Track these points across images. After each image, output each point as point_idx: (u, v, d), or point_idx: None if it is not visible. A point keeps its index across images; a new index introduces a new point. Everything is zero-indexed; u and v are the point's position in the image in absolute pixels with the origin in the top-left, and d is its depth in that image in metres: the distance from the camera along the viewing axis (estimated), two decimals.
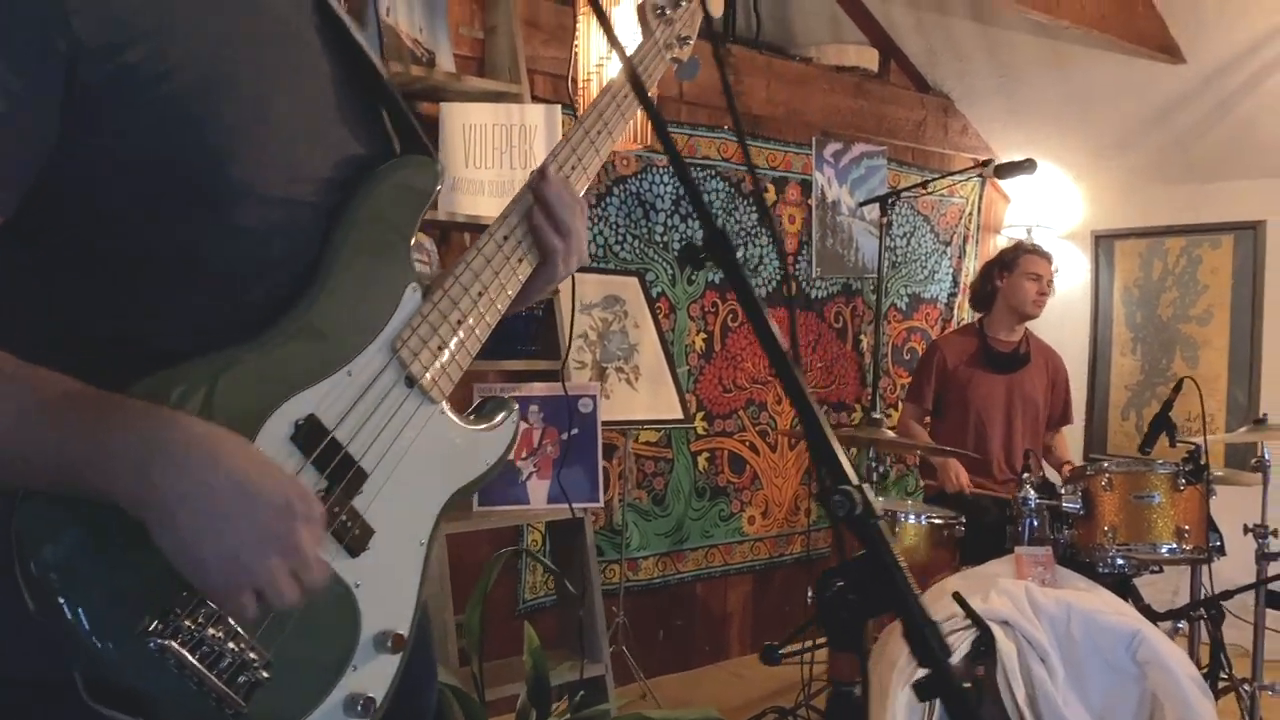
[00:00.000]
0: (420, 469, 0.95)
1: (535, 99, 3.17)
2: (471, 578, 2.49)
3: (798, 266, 4.14)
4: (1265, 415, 2.97)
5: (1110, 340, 4.61)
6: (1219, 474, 3.27)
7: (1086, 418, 4.64)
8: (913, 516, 3.23)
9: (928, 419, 3.81)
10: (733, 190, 3.93)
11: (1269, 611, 4.11)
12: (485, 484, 1.04)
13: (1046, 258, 3.65)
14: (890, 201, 3.82)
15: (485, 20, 3.15)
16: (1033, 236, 4.63)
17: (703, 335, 3.88)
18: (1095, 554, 2.92)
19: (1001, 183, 4.66)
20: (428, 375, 0.96)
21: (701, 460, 3.89)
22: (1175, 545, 2.85)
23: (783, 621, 3.92)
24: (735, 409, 3.99)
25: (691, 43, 1.35)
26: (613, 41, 0.90)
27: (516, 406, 1.07)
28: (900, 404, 4.09)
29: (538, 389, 2.86)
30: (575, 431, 2.88)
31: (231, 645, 0.77)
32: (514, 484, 2.82)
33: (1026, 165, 3.53)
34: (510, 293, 1.07)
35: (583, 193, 1.16)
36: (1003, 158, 4.64)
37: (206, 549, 0.75)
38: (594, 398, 2.91)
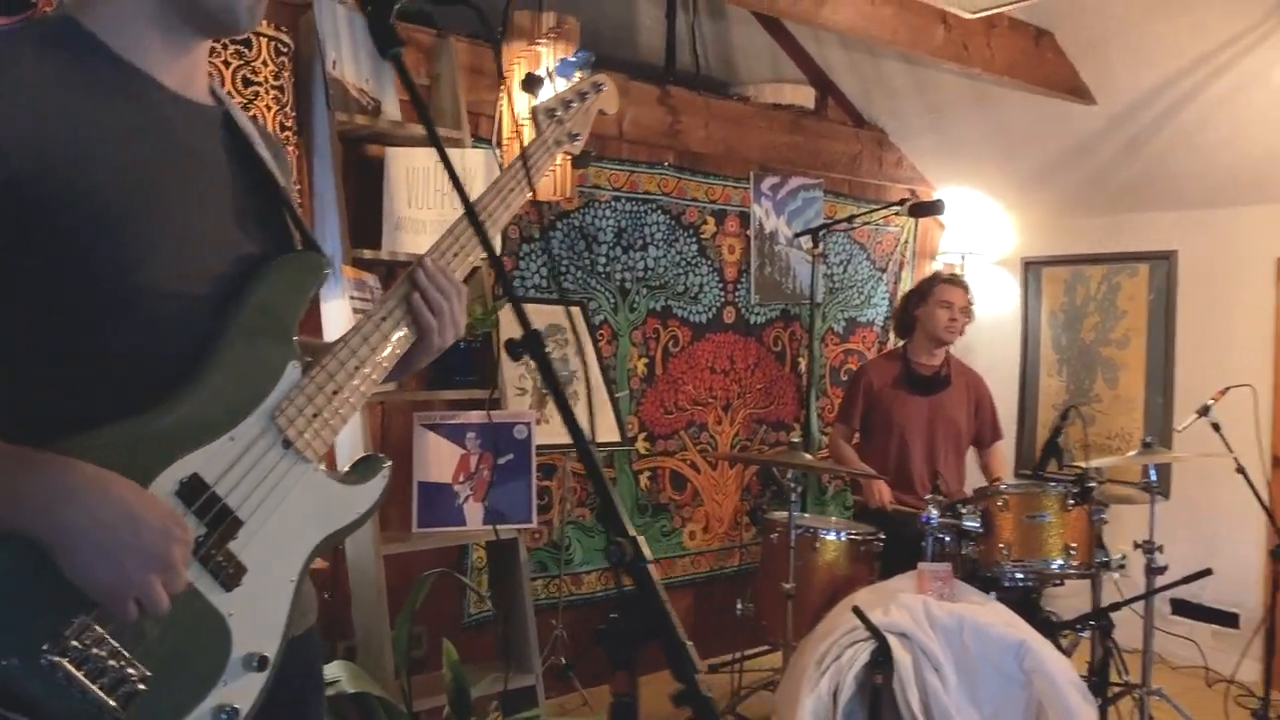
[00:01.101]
0: (292, 518, 1.14)
1: (477, 139, 3.38)
2: None
3: (737, 294, 4.35)
4: (1150, 440, 3.17)
5: (1039, 362, 4.83)
6: (1131, 493, 3.49)
7: (1017, 436, 4.86)
8: (833, 533, 3.43)
9: (856, 437, 4.02)
10: (673, 222, 4.14)
11: (1184, 620, 4.35)
12: (356, 530, 1.23)
13: (961, 286, 3.84)
14: (822, 233, 4.03)
15: (430, 69, 3.34)
16: (966, 263, 4.86)
17: (644, 360, 4.08)
18: (994, 570, 3.12)
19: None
20: (303, 438, 1.16)
21: (643, 479, 4.09)
22: (1064, 561, 3.06)
23: (722, 631, 4.11)
24: (676, 429, 4.19)
25: (583, 138, 1.55)
26: (456, 185, 1.10)
27: (389, 464, 1.26)
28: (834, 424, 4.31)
29: (475, 417, 3.05)
30: (511, 456, 3.07)
31: (113, 663, 0.96)
32: (452, 506, 3.01)
33: (936, 205, 3.75)
34: (386, 366, 1.26)
35: (462, 276, 1.35)
36: (936, 188, 4.88)
37: (99, 567, 0.95)
38: (528, 424, 3.10)
